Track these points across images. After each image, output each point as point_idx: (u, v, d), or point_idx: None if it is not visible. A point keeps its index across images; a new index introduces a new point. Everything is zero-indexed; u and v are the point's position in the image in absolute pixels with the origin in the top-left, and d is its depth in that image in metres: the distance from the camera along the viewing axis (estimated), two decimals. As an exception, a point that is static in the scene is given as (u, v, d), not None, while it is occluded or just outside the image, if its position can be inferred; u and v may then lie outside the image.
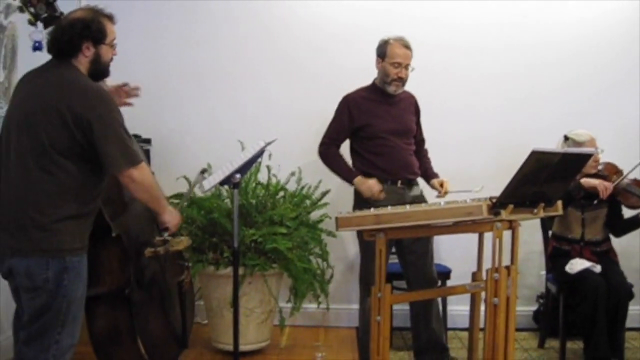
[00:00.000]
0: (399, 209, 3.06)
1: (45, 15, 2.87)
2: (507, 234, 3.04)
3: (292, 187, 4.49)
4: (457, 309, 4.70)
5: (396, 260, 4.20)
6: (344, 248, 4.99)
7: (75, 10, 2.85)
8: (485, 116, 5.01)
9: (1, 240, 2.63)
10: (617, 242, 4.47)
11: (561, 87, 5.02)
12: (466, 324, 3.52)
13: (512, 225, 3.07)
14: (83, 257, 2.69)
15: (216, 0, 5.02)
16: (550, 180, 2.96)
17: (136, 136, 4.09)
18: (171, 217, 2.98)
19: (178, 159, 4.89)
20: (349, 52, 4.91)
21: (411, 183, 4.12)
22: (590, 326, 4.02)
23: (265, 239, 4.05)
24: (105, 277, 2.99)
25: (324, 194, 4.48)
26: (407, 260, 4.10)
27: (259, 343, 4.29)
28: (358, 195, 4.08)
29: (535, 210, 3.03)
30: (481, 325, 3.17)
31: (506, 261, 3.03)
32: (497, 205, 2.82)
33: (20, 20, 3.69)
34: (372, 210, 3.12)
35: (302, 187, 4.48)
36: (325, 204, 4.46)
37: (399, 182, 4.05)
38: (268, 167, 4.44)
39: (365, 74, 4.18)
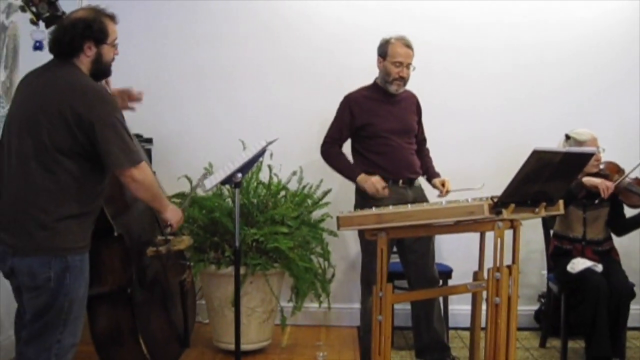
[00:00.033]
0: (401, 208, 3.06)
1: (47, 14, 2.87)
2: (508, 234, 3.04)
3: (293, 186, 4.49)
4: (459, 308, 4.71)
5: (397, 260, 4.20)
6: (346, 247, 4.99)
7: (77, 10, 2.85)
8: (486, 116, 5.01)
9: (3, 239, 2.63)
10: (618, 242, 4.47)
11: (562, 87, 5.02)
12: (467, 324, 3.52)
13: (513, 225, 3.07)
14: (85, 256, 2.70)
15: (216, 0, 5.02)
16: (552, 179, 2.96)
17: (137, 136, 4.09)
18: (173, 214, 2.98)
19: (179, 159, 4.90)
20: (350, 52, 4.91)
21: (412, 182, 4.12)
22: (591, 326, 4.01)
23: (266, 239, 4.05)
24: (107, 277, 2.99)
25: (325, 193, 4.48)
26: (408, 259, 4.10)
27: (261, 342, 4.29)
28: (359, 194, 4.09)
29: (537, 210, 3.03)
30: (482, 324, 3.17)
31: (507, 260, 3.03)
32: (498, 204, 2.82)
33: (21, 20, 3.69)
34: (374, 210, 3.12)
35: (304, 187, 4.48)
36: (327, 204, 4.46)
37: (401, 181, 4.05)
38: (269, 167, 4.44)
39: (367, 73, 4.19)
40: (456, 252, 4.82)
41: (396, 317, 4.13)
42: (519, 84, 5.02)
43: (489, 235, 3.03)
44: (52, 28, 2.81)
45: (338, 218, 3.15)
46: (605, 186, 4.15)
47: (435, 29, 4.96)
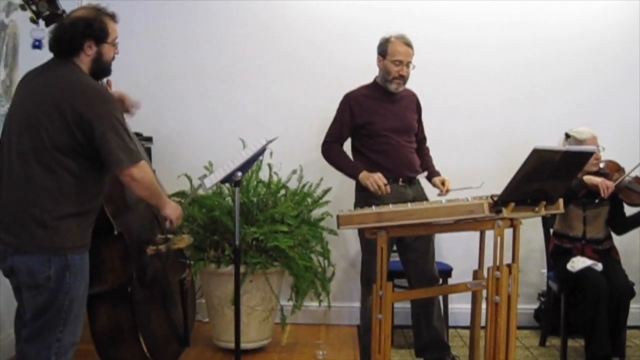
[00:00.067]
0: (401, 207, 3.06)
1: (47, 13, 2.87)
2: (508, 232, 3.04)
3: (293, 185, 4.49)
4: (459, 307, 4.71)
5: (397, 259, 4.20)
6: (345, 246, 4.99)
7: (77, 8, 2.85)
8: (487, 115, 5.01)
9: (3, 238, 2.63)
10: (618, 241, 4.48)
11: (562, 86, 5.02)
12: (467, 322, 3.52)
13: (513, 223, 3.07)
14: (85, 255, 2.70)
15: (217, 0, 5.02)
16: (552, 178, 2.96)
17: (137, 134, 4.09)
18: (172, 210, 2.99)
19: (179, 158, 4.90)
20: (350, 51, 4.91)
21: (412, 181, 4.12)
22: (591, 324, 4.01)
23: (266, 237, 4.05)
24: (107, 275, 2.99)
25: (325, 192, 4.48)
26: (408, 258, 4.10)
27: (261, 341, 4.29)
28: (359, 193, 4.09)
29: (537, 208, 3.03)
30: (482, 323, 3.17)
31: (507, 259, 3.03)
32: (498, 203, 2.82)
33: (21, 19, 3.69)
34: (374, 208, 3.12)
35: (304, 185, 4.48)
36: (327, 202, 4.46)
37: (401, 180, 4.05)
38: (269, 165, 4.44)
39: (367, 72, 4.19)
40: (456, 250, 4.82)
41: (396, 315, 4.13)
42: (519, 83, 5.02)
43: (489, 234, 3.03)
44: (52, 27, 2.81)
45: (338, 217, 3.15)
46: (605, 186, 4.15)
47: (436, 28, 4.96)
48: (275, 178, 4.47)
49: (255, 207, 4.22)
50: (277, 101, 5.02)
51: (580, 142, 4.23)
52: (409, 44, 4.06)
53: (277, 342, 4.48)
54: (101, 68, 2.78)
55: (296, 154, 4.71)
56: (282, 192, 4.42)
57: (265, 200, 4.29)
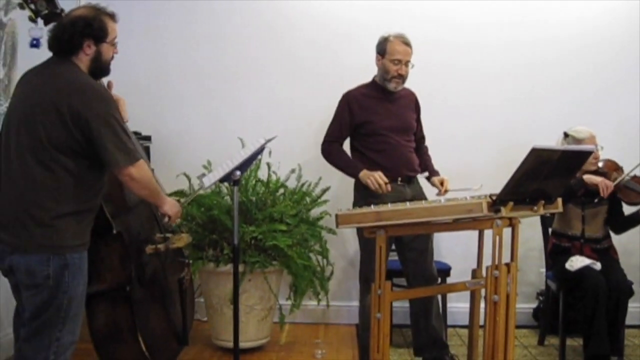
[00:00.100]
0: (400, 206, 3.06)
1: (46, 12, 2.86)
2: (507, 231, 3.04)
3: (292, 184, 4.49)
4: (457, 306, 4.72)
5: (396, 258, 4.20)
6: (344, 245, 4.99)
7: (77, 8, 2.85)
8: (486, 114, 5.02)
9: (1, 237, 2.63)
10: (617, 240, 4.48)
11: (562, 86, 5.03)
12: (466, 321, 3.52)
13: (512, 223, 3.07)
14: (84, 254, 2.69)
15: (217, 0, 5.02)
16: (550, 177, 2.96)
17: (136, 133, 4.09)
18: (170, 207, 3.00)
19: (179, 157, 4.90)
20: (350, 50, 4.91)
21: (411, 180, 4.12)
22: (590, 323, 4.01)
23: (265, 236, 4.05)
24: (106, 274, 2.99)
25: (324, 191, 4.48)
26: (407, 257, 4.10)
27: (259, 340, 4.29)
28: (358, 192, 4.08)
29: (535, 208, 3.03)
30: (481, 322, 3.17)
31: (506, 258, 3.03)
32: (497, 202, 2.82)
33: (20, 17, 3.69)
34: (373, 208, 3.11)
35: (302, 184, 4.49)
36: (325, 201, 4.46)
37: (399, 179, 4.04)
38: (268, 165, 4.44)
39: (366, 72, 4.19)
40: (455, 249, 4.82)
41: (395, 314, 4.15)
42: (518, 83, 5.03)
43: (488, 233, 3.03)
44: (51, 25, 2.81)
45: (337, 216, 3.15)
46: (605, 185, 4.15)
47: (436, 28, 4.97)
48: (274, 177, 4.47)
49: (254, 206, 4.22)
50: (277, 101, 5.02)
51: (578, 141, 4.23)
52: (407, 43, 4.06)
53: (276, 341, 4.49)
54: (100, 67, 2.77)
55: (295, 153, 4.72)
56: (281, 191, 4.42)
57: (264, 199, 4.29)
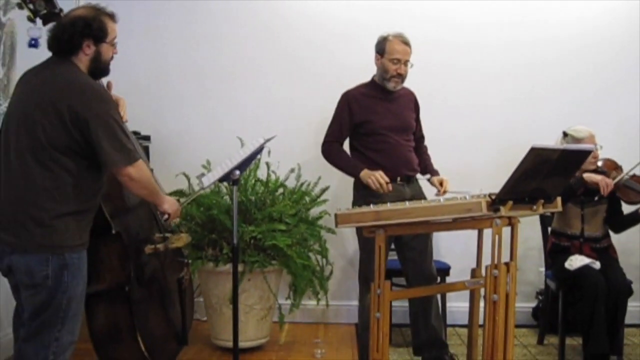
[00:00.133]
0: (399, 206, 3.05)
1: (44, 11, 2.86)
2: (506, 231, 3.04)
3: (291, 183, 4.49)
4: (457, 305, 4.72)
5: (395, 257, 4.20)
6: (344, 245, 5.00)
7: (76, 8, 2.85)
8: (486, 114, 5.02)
9: (1, 237, 2.63)
10: (616, 239, 4.48)
11: (561, 85, 5.03)
12: (465, 321, 3.53)
13: (511, 222, 3.07)
14: (83, 254, 2.69)
15: (216, 0, 5.02)
16: (550, 176, 2.96)
17: (135, 133, 4.09)
18: (170, 205, 3.00)
19: (178, 156, 4.91)
20: (349, 50, 4.91)
21: (410, 180, 4.12)
22: (589, 323, 4.01)
23: (264, 236, 4.06)
24: (105, 274, 2.99)
25: (323, 190, 4.48)
26: (406, 256, 4.09)
27: (259, 340, 4.30)
28: (357, 191, 4.08)
29: (535, 207, 3.03)
30: (480, 321, 3.17)
31: (505, 258, 3.03)
32: (496, 201, 2.82)
33: (19, 17, 3.69)
34: (372, 207, 3.11)
35: (302, 184, 4.49)
36: (325, 201, 4.46)
37: (399, 178, 4.04)
38: (267, 164, 4.44)
39: (366, 72, 4.18)
40: (454, 249, 4.82)
41: (394, 314, 4.15)
42: (518, 83, 5.03)
43: (487, 233, 3.03)
44: (49, 25, 2.81)
45: (336, 215, 3.15)
46: (605, 183, 4.15)
47: (436, 28, 4.97)
48: (273, 177, 4.47)
49: (254, 205, 4.22)
50: (276, 101, 5.02)
51: (577, 140, 4.23)
52: (406, 43, 4.06)
53: (275, 340, 4.49)
54: (100, 67, 2.77)
55: (294, 153, 4.72)
56: (280, 190, 4.42)
57: (263, 198, 4.29)
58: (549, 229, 4.54)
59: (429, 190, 4.19)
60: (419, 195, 4.06)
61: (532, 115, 5.01)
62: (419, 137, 4.30)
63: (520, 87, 5.03)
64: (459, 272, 4.32)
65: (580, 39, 5.01)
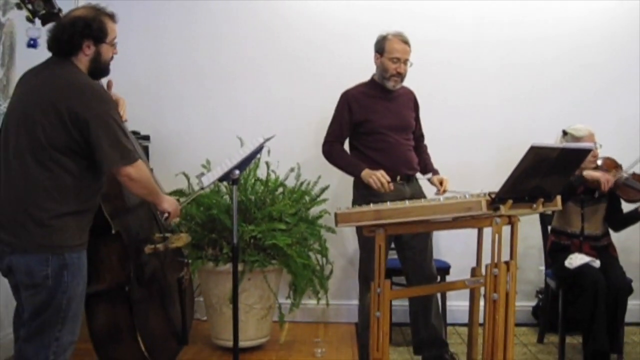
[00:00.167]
0: (399, 205, 3.06)
1: (43, 12, 2.86)
2: (506, 229, 3.04)
3: (291, 183, 4.49)
4: (457, 304, 4.72)
5: (395, 256, 4.20)
6: (344, 244, 4.99)
7: (76, 8, 2.85)
8: (486, 113, 5.02)
9: (1, 237, 2.63)
10: (616, 237, 4.48)
11: (561, 84, 5.03)
12: (465, 320, 3.53)
13: (511, 221, 3.07)
14: (83, 254, 2.70)
15: (216, 0, 5.02)
16: (549, 175, 2.97)
17: (135, 133, 4.09)
18: (169, 204, 3.00)
19: (177, 156, 4.90)
20: (349, 50, 4.91)
21: (410, 179, 4.12)
22: (589, 321, 4.01)
23: (264, 235, 4.05)
24: (105, 274, 2.99)
25: (323, 189, 4.48)
26: (406, 255, 4.10)
27: (259, 339, 4.29)
28: (357, 190, 4.08)
29: (535, 206, 3.03)
30: (480, 320, 3.18)
31: (505, 256, 3.03)
32: (496, 200, 2.82)
33: (18, 17, 3.69)
34: (372, 206, 3.12)
35: (301, 183, 4.48)
36: (325, 200, 4.46)
37: (398, 177, 4.04)
38: (267, 164, 4.44)
39: (366, 71, 4.18)
40: (454, 248, 4.82)
41: (394, 313, 4.15)
42: (518, 81, 5.03)
43: (487, 231, 3.03)
44: (49, 25, 2.81)
45: (336, 214, 3.15)
46: (606, 179, 4.16)
47: (435, 27, 4.97)
48: (273, 176, 4.47)
49: (253, 205, 4.22)
50: (276, 100, 5.02)
51: (577, 139, 4.23)
52: (406, 42, 4.06)
53: (276, 340, 4.49)
54: (99, 68, 2.77)
55: (294, 152, 4.72)
56: (280, 190, 4.42)
57: (263, 198, 4.29)
58: (549, 227, 4.54)
59: (428, 189, 4.19)
60: (419, 195, 4.06)
61: (531, 114, 5.01)
62: (419, 136, 4.30)
63: (520, 86, 5.03)
64: (459, 271, 4.31)
65: (580, 38, 5.01)
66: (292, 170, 4.54)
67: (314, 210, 4.43)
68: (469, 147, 4.99)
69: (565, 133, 4.32)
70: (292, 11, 5.03)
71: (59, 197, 2.60)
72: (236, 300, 3.48)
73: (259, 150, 3.53)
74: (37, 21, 2.89)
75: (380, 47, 4.08)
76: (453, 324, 4.88)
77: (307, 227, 4.26)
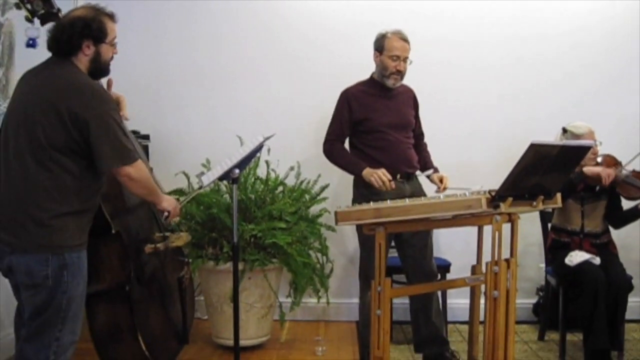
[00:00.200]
0: (399, 203, 3.06)
1: (42, 12, 2.86)
2: (506, 227, 3.04)
3: (291, 181, 4.49)
4: (457, 302, 4.71)
5: (396, 254, 4.20)
6: (344, 242, 4.99)
7: (76, 8, 2.85)
8: (485, 110, 5.01)
9: (1, 237, 2.63)
10: (616, 234, 4.48)
11: (561, 81, 5.02)
12: (466, 317, 3.53)
13: (511, 218, 3.07)
14: (83, 254, 2.70)
15: (216, 0, 5.01)
16: (549, 172, 2.96)
17: (134, 132, 4.09)
18: (168, 203, 3.01)
19: (177, 155, 4.90)
20: (349, 49, 4.90)
21: (410, 177, 4.12)
22: (589, 318, 4.01)
23: (264, 234, 4.05)
24: (105, 274, 2.99)
25: (323, 188, 4.48)
26: (406, 253, 4.10)
27: (260, 338, 4.30)
28: (357, 189, 4.08)
29: (535, 203, 3.03)
30: (481, 318, 3.17)
31: (506, 254, 3.03)
32: (496, 198, 2.82)
33: (17, 17, 3.69)
34: (372, 204, 3.12)
35: (301, 182, 4.48)
36: (325, 199, 4.46)
37: (398, 175, 4.04)
38: (267, 162, 4.44)
39: (366, 70, 4.18)
40: (454, 246, 4.82)
41: (395, 311, 4.14)
42: (518, 78, 5.02)
43: (487, 229, 3.03)
44: (48, 25, 2.81)
45: (336, 213, 3.15)
46: (606, 174, 4.16)
47: (434, 24, 4.96)
48: (273, 175, 4.47)
49: (253, 204, 4.22)
50: (275, 99, 5.02)
51: (577, 136, 4.23)
52: (405, 39, 4.06)
53: (276, 338, 4.49)
54: (99, 68, 2.77)
55: (294, 151, 4.72)
56: (280, 188, 4.42)
57: (263, 197, 4.29)
58: (549, 225, 4.54)
59: (428, 187, 4.19)
60: (419, 193, 4.07)
61: (531, 112, 5.00)
62: (419, 135, 4.30)
63: (519, 83, 5.02)
64: (459, 269, 4.31)
65: (579, 37, 5.00)
66: (292, 169, 4.53)
67: (314, 209, 4.43)
68: (469, 145, 4.98)
69: (565, 131, 4.31)
70: (292, 11, 5.03)
71: (58, 197, 2.60)
72: (237, 299, 3.48)
73: (258, 149, 3.53)
74: (36, 21, 2.89)
75: (380, 45, 4.07)
76: (454, 322, 4.88)
77: (307, 225, 4.26)
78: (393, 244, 4.17)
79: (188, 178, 4.37)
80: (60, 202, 2.60)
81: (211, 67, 5.03)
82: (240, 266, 3.91)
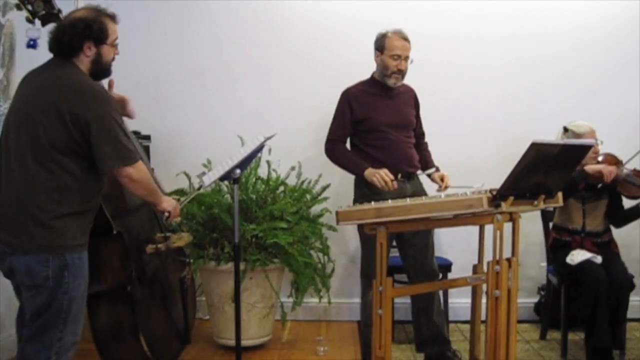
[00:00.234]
0: (400, 202, 3.06)
1: (43, 12, 2.86)
2: (507, 226, 3.04)
3: (292, 181, 4.49)
4: (459, 301, 4.71)
5: (397, 254, 4.20)
6: (345, 242, 4.99)
7: (77, 9, 2.85)
8: (486, 109, 5.02)
9: (2, 238, 2.63)
10: (617, 233, 4.48)
11: (562, 79, 5.03)
12: (467, 317, 3.53)
13: (512, 217, 3.07)
14: (84, 254, 2.70)
15: (216, 0, 5.02)
16: (550, 171, 2.96)
17: (135, 133, 4.09)
18: (168, 204, 3.00)
19: (178, 156, 4.90)
20: (350, 49, 4.90)
21: (411, 176, 4.12)
22: (591, 317, 4.02)
23: (265, 234, 4.05)
24: (107, 275, 2.99)
25: (324, 188, 4.48)
26: (407, 253, 4.10)
27: (261, 338, 4.29)
28: (358, 189, 4.08)
29: (536, 202, 3.03)
30: (482, 317, 3.18)
31: (507, 253, 3.03)
32: (497, 197, 2.82)
33: (17, 18, 3.69)
34: (373, 204, 3.12)
35: (302, 182, 4.48)
36: (326, 198, 4.46)
37: (399, 175, 4.04)
38: (268, 162, 4.44)
39: (367, 70, 4.19)
40: (455, 245, 4.82)
41: (396, 311, 4.14)
42: (519, 77, 5.03)
43: (488, 228, 3.03)
44: (49, 26, 2.81)
45: (337, 213, 3.15)
46: (608, 171, 4.16)
47: (436, 22, 4.97)
48: (274, 175, 4.47)
49: (254, 204, 4.21)
50: (276, 99, 5.02)
51: (578, 135, 4.23)
52: (406, 39, 4.06)
53: (278, 338, 4.49)
54: (101, 69, 2.77)
55: (295, 151, 4.72)
56: (281, 188, 4.41)
57: (264, 197, 4.29)
58: (550, 224, 4.54)
59: (429, 186, 4.19)
60: (420, 192, 4.07)
61: (532, 111, 5.00)
62: (419, 134, 4.30)
63: (520, 82, 5.02)
64: (460, 269, 4.31)
65: (580, 35, 5.01)
66: (293, 168, 4.53)
67: (315, 209, 4.43)
68: (469, 144, 4.98)
69: (566, 130, 4.31)
70: (293, 10, 5.03)
71: (59, 198, 2.60)
72: (238, 299, 3.48)
73: (259, 149, 3.53)
74: (37, 22, 2.89)
75: (380, 44, 4.07)
76: (455, 321, 4.88)
77: (308, 225, 4.26)
78: (394, 243, 4.17)
79: (189, 178, 4.37)
80: (61, 202, 2.60)
81: (212, 67, 5.03)
82: (242, 266, 3.91)
